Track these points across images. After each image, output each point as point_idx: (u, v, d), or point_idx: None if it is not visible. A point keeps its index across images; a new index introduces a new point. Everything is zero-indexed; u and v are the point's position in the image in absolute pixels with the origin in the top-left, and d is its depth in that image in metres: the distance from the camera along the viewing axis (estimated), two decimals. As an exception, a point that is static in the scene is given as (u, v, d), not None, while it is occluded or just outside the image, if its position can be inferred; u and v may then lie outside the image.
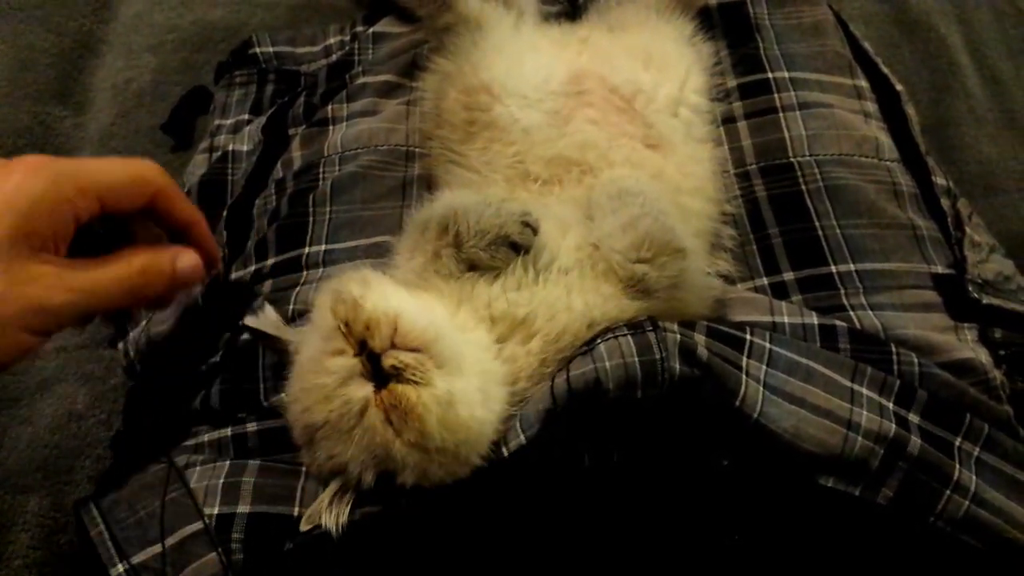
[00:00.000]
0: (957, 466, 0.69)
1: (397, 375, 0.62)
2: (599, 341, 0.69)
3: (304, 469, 0.72)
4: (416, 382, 0.62)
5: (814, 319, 0.76)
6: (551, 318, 0.70)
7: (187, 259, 0.63)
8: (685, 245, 0.72)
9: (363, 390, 0.63)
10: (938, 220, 0.86)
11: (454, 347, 0.65)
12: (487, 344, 0.69)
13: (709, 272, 0.79)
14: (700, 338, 0.69)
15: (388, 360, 0.62)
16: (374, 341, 0.63)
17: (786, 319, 0.76)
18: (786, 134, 0.86)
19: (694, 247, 0.74)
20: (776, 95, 0.89)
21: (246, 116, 1.05)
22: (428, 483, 0.63)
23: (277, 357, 0.75)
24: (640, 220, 0.70)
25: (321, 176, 0.91)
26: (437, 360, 0.63)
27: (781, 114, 0.88)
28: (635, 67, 0.86)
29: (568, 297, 0.71)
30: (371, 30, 1.05)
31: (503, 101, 0.83)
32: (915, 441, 0.69)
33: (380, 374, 0.63)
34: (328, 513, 0.64)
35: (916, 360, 0.74)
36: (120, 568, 0.69)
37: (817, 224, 0.82)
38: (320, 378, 0.64)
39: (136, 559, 0.69)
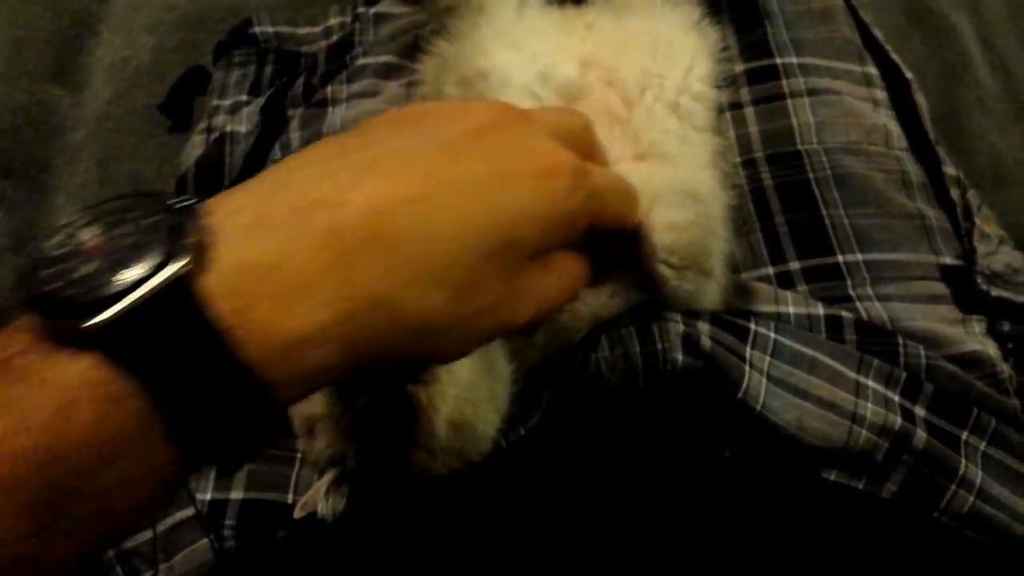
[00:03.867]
0: (963, 460, 0.69)
1: (404, 374, 0.61)
2: (601, 332, 0.68)
3: (299, 456, 0.72)
4: (424, 382, 0.61)
5: (820, 309, 0.76)
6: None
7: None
8: (716, 271, 0.71)
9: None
10: (947, 210, 0.85)
11: None
12: (496, 344, 0.69)
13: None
14: (704, 327, 0.69)
15: None
16: None
17: (791, 309, 0.76)
18: (794, 121, 0.85)
19: (720, 274, 0.73)
20: (784, 81, 0.88)
21: (245, 97, 1.04)
22: (427, 476, 0.63)
23: None
24: (687, 228, 0.68)
25: None
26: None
27: (789, 100, 0.87)
28: (642, 56, 0.85)
29: None
30: (372, 11, 1.04)
31: (497, 94, 0.82)
32: (920, 434, 0.68)
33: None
34: (324, 502, 0.63)
35: (923, 352, 0.73)
36: (110, 553, 0.68)
37: (824, 213, 0.81)
38: None
39: (127, 544, 0.69)
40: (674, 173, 0.78)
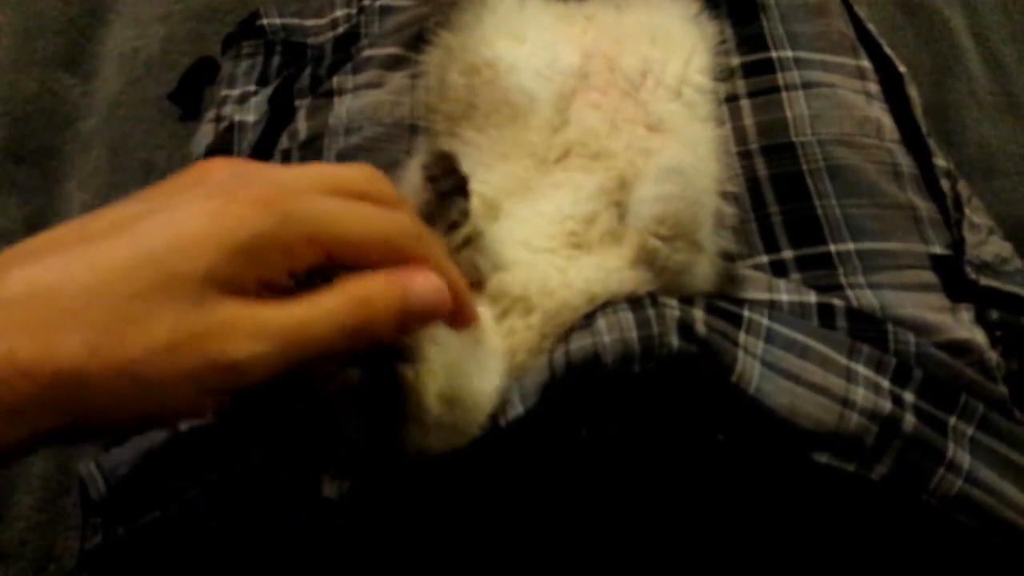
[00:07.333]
0: (951, 445, 0.70)
1: (394, 352, 0.62)
2: (599, 316, 0.69)
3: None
4: (411, 360, 0.62)
5: (812, 297, 0.77)
6: (548, 294, 0.71)
7: (426, 283, 0.49)
8: (704, 243, 0.73)
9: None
10: (938, 201, 0.86)
11: None
12: (486, 321, 0.70)
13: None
14: (698, 314, 0.70)
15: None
16: None
17: (784, 297, 0.77)
18: (788, 113, 0.87)
19: (711, 248, 0.75)
20: (780, 74, 0.90)
21: (253, 87, 1.05)
22: (426, 454, 0.63)
23: None
24: (674, 200, 0.71)
25: (326, 147, 0.91)
26: (433, 338, 0.63)
27: (784, 93, 0.88)
28: (641, 46, 0.86)
29: (564, 275, 0.72)
30: (378, 3, 1.05)
31: (505, 78, 0.83)
32: (909, 419, 0.69)
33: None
34: (328, 481, 0.64)
35: (912, 339, 0.74)
36: (121, 531, 0.69)
37: (817, 203, 0.82)
38: None
39: (139, 521, 0.69)
40: (684, 149, 0.80)
